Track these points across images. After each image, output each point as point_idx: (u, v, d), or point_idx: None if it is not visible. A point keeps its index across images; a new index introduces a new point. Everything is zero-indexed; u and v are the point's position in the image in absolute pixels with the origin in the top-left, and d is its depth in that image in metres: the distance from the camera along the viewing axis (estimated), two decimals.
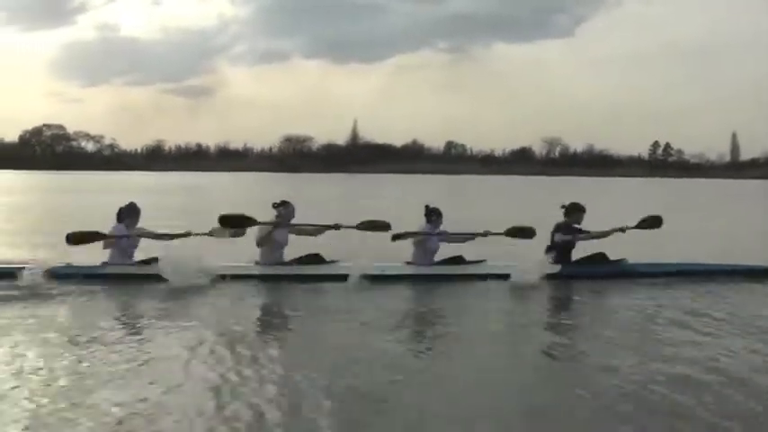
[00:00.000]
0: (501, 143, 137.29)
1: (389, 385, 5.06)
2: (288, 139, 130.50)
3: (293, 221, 9.75)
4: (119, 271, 9.24)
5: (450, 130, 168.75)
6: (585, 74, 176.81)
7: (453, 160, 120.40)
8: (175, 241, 9.86)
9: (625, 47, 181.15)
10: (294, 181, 58.86)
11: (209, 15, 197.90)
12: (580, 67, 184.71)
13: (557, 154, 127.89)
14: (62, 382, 5.00)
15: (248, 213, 9.58)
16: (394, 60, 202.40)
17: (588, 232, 9.87)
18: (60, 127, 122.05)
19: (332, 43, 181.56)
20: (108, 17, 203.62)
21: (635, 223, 10.19)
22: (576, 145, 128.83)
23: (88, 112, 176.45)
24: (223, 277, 9.02)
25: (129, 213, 9.56)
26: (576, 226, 9.87)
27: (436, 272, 9.50)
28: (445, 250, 9.89)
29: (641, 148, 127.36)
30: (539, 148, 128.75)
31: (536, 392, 5.01)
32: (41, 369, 5.31)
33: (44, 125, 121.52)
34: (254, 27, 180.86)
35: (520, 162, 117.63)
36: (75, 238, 9.42)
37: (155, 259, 9.33)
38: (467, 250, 9.99)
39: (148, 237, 9.72)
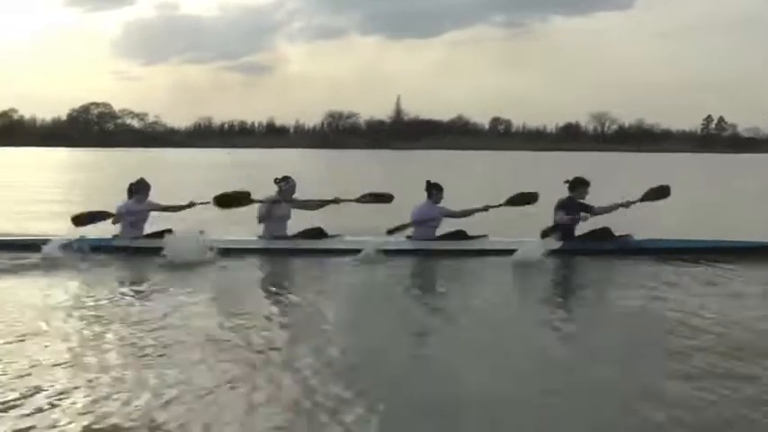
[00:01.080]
0: (551, 118, 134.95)
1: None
2: (331, 116, 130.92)
3: (295, 196, 9.94)
4: (128, 244, 9.57)
5: (498, 106, 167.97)
6: (642, 47, 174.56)
7: (499, 136, 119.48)
8: (182, 213, 10.22)
9: (686, 18, 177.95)
10: (329, 157, 59.22)
11: None
12: (637, 39, 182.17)
13: (606, 129, 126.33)
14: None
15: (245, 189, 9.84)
16: (449, 36, 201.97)
17: (592, 208, 9.81)
18: (107, 105, 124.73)
19: (388, 19, 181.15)
20: None
21: (639, 196, 10.11)
22: (626, 119, 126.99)
23: (147, 90, 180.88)
24: (227, 251, 9.22)
25: (138, 189, 9.86)
26: (581, 201, 9.82)
27: (439, 247, 9.57)
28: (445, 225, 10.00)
29: (694, 123, 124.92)
30: (587, 124, 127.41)
31: (544, 376, 4.91)
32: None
33: (91, 103, 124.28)
34: (312, 3, 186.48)
35: (568, 138, 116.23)
36: (80, 220, 9.84)
37: (167, 230, 9.72)
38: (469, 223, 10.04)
39: (156, 210, 10.01)
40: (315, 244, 9.60)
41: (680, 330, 5.87)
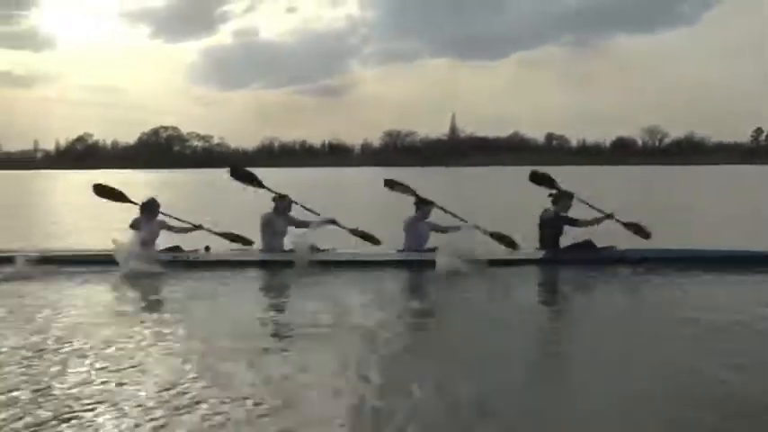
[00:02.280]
0: (605, 133, 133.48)
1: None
2: (389, 135, 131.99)
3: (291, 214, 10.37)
4: (144, 257, 9.97)
5: (554, 122, 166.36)
6: (700, 62, 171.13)
7: (553, 152, 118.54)
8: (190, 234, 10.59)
9: (746, 34, 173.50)
10: (375, 175, 59.45)
11: (340, 18, 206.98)
12: (696, 55, 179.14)
13: (657, 143, 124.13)
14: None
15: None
16: (516, 56, 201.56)
17: (576, 221, 9.87)
18: (175, 128, 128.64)
19: (456, 41, 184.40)
20: (247, 25, 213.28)
21: (624, 220, 10.13)
22: (678, 133, 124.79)
23: (224, 114, 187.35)
24: (229, 263, 9.75)
25: (149, 208, 10.32)
26: (564, 214, 9.90)
27: (428, 258, 9.72)
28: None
29: (744, 136, 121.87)
30: (639, 138, 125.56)
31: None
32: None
33: (161, 127, 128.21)
34: (383, 28, 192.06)
35: (620, 152, 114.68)
36: (102, 190, 10.74)
37: (176, 247, 10.21)
38: None
39: (166, 228, 10.43)
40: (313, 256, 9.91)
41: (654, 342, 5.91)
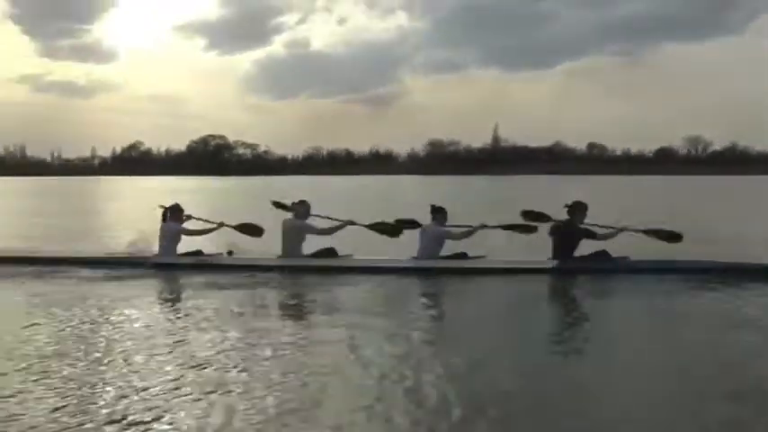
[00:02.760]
0: (647, 143, 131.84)
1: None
2: (432, 144, 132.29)
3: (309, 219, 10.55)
4: (167, 260, 10.42)
5: (596, 132, 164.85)
6: (751, 72, 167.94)
7: (593, 161, 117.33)
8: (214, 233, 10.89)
9: None
10: (419, 183, 59.60)
11: (390, 29, 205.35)
12: (746, 65, 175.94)
13: (699, 152, 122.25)
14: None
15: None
16: (564, 67, 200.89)
17: (594, 233, 9.84)
18: (222, 137, 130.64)
19: (505, 52, 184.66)
20: (299, 36, 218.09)
21: (645, 228, 10.15)
22: (720, 143, 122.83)
23: (275, 123, 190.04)
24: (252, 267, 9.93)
25: (172, 213, 10.64)
26: (582, 226, 9.87)
27: (442, 265, 9.84)
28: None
29: None
30: (681, 147, 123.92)
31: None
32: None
33: (209, 135, 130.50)
34: (433, 38, 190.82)
35: (662, 162, 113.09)
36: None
37: (199, 251, 10.49)
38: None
39: (188, 233, 10.75)
40: (328, 262, 10.08)
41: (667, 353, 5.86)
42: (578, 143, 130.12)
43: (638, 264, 9.62)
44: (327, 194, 37.07)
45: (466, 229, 10.19)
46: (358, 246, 10.70)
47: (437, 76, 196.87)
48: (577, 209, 9.94)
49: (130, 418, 4.27)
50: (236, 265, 10.12)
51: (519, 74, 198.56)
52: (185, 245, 10.75)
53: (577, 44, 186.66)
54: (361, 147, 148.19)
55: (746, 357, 5.63)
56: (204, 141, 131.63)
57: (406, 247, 10.33)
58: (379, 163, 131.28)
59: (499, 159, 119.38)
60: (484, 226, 10.14)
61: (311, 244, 10.44)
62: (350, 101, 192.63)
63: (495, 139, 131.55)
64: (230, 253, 10.55)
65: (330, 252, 10.27)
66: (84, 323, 6.83)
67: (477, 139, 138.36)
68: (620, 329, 6.79)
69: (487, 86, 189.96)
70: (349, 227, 10.55)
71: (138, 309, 7.57)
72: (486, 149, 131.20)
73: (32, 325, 6.73)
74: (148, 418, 4.27)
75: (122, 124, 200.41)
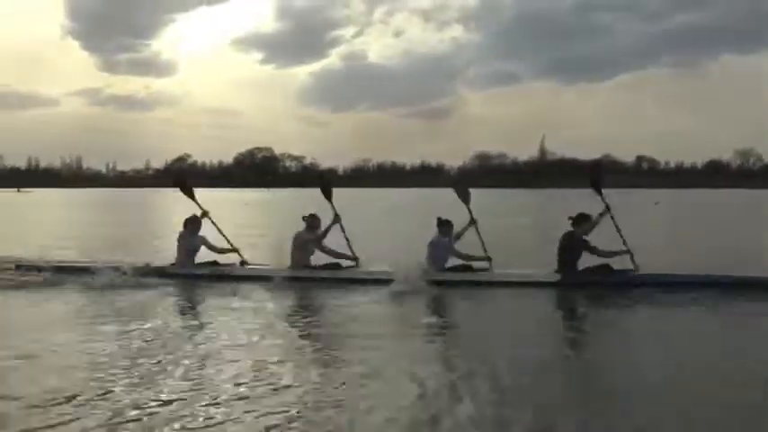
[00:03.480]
0: (698, 156, 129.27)
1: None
2: (478, 157, 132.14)
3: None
4: (185, 271, 10.74)
5: (646, 145, 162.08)
6: None
7: (642, 174, 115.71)
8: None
9: None
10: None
11: (446, 41, 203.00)
12: None
13: (751, 166, 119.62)
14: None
15: None
16: (620, 79, 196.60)
17: (595, 249, 9.84)
18: (269, 149, 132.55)
19: (560, 64, 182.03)
20: (355, 48, 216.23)
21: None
22: None
23: (331, 137, 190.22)
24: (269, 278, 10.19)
25: (192, 223, 10.97)
26: (584, 238, 9.87)
27: (447, 278, 9.94)
28: None
29: None
30: (732, 160, 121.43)
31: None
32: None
33: (255, 148, 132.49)
34: (489, 51, 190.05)
35: (712, 175, 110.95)
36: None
37: (214, 262, 10.79)
38: None
39: (206, 246, 11.09)
40: (334, 274, 10.33)
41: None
42: (628, 156, 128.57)
43: (642, 277, 9.59)
44: (367, 207, 37.23)
45: (472, 254, 10.39)
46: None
47: (492, 89, 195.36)
48: (581, 221, 9.94)
49: None
50: (248, 276, 10.41)
51: (575, 86, 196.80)
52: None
53: (634, 56, 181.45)
54: (414, 159, 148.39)
55: (753, 373, 5.60)
56: (251, 154, 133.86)
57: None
58: (428, 175, 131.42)
59: (545, 172, 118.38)
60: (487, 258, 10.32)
61: (320, 255, 10.74)
62: (405, 114, 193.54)
63: (542, 151, 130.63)
64: (243, 263, 10.82)
65: (335, 265, 10.53)
66: (165, 332, 7.05)
67: (527, 152, 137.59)
68: (621, 345, 6.74)
69: (542, 99, 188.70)
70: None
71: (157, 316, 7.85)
72: (532, 162, 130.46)
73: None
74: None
75: (178, 136, 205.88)
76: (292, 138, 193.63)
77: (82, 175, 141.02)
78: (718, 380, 5.39)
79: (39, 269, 10.86)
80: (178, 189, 11.62)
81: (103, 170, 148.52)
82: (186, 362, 5.85)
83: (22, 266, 11.19)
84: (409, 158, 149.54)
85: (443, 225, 10.28)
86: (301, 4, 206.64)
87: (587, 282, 9.58)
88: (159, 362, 5.85)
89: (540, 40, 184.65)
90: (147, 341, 6.61)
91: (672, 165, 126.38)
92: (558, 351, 6.45)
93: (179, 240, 10.97)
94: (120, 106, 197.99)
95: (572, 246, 9.87)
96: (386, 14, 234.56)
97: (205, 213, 11.08)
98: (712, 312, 8.14)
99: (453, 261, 10.33)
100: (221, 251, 11.07)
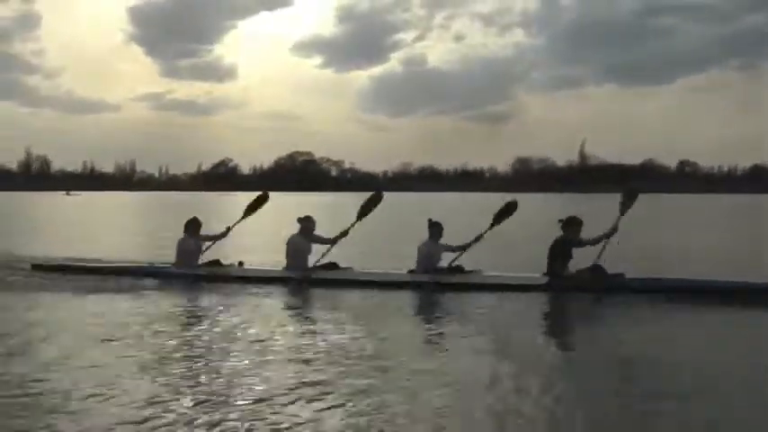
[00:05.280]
0: (745, 160, 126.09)
1: None
2: (520, 161, 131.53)
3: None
4: (188, 271, 10.92)
5: (692, 149, 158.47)
6: None
7: (685, 179, 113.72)
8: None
9: None
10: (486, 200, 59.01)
11: (507, 45, 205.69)
12: None
13: None
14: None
15: None
16: (682, 82, 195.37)
17: (580, 240, 9.81)
18: (309, 154, 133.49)
19: (621, 68, 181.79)
20: (416, 53, 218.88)
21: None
22: None
23: (390, 141, 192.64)
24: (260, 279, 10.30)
25: (192, 225, 11.23)
26: (570, 238, 9.81)
27: (437, 280, 9.97)
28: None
29: None
30: None
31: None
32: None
33: (295, 152, 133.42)
34: (550, 55, 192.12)
35: (756, 180, 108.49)
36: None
37: (216, 261, 11.06)
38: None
39: (205, 241, 11.34)
40: (330, 275, 10.41)
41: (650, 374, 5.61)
42: (673, 160, 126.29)
43: (632, 282, 9.45)
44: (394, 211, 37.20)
45: (463, 244, 10.37)
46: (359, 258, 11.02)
47: (553, 93, 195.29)
48: (570, 224, 9.89)
49: None
50: (244, 276, 10.51)
51: (635, 89, 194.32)
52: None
53: (697, 59, 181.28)
54: (472, 164, 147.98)
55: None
56: (291, 158, 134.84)
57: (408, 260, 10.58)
58: (470, 180, 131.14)
59: (584, 176, 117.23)
60: (479, 237, 10.36)
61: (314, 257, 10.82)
62: (465, 118, 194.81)
63: (582, 155, 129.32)
64: (240, 264, 11.02)
65: (332, 265, 10.63)
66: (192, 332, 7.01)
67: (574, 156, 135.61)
68: (607, 351, 6.49)
69: (601, 103, 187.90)
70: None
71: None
72: (574, 166, 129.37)
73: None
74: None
75: (233, 140, 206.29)
76: (351, 142, 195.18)
77: (133, 178, 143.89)
78: (707, 389, 5.15)
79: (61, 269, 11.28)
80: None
81: (156, 174, 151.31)
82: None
83: (37, 266, 11.55)
84: (474, 163, 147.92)
85: (434, 227, 10.35)
86: (362, 9, 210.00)
87: (577, 286, 9.49)
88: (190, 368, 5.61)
89: (602, 44, 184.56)
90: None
91: (715, 169, 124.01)
92: (538, 358, 6.15)
93: (180, 242, 11.19)
94: (182, 111, 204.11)
95: (561, 249, 9.80)
96: (446, 19, 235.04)
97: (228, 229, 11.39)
98: (701, 319, 7.93)
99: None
100: (220, 237, 11.31)
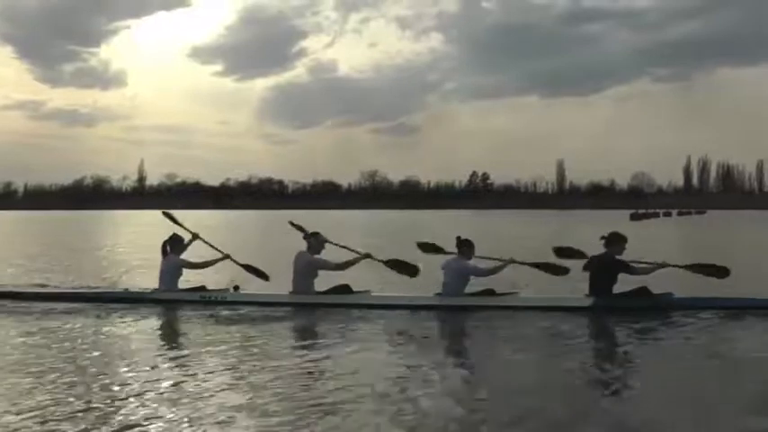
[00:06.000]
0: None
1: None
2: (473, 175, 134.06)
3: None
4: (168, 297, 9.75)
5: (646, 161, 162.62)
6: None
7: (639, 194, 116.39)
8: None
9: None
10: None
11: (422, 52, 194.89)
12: None
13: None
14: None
15: None
16: (609, 92, 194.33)
17: (631, 267, 9.23)
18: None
19: (543, 77, 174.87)
20: (326, 59, 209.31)
21: (687, 263, 9.64)
22: None
23: (295, 153, 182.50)
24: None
25: (172, 245, 9.94)
26: (619, 258, 9.25)
27: (468, 303, 9.16)
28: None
29: None
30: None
31: None
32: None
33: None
34: (466, 63, 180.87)
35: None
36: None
37: (202, 287, 9.92)
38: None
39: (190, 267, 10.09)
40: (342, 299, 9.42)
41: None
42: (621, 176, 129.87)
43: (682, 301, 9.08)
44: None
45: (494, 264, 9.64)
46: (374, 282, 10.22)
47: (471, 103, 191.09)
48: (615, 241, 9.35)
49: None
50: (244, 302, 9.48)
51: (560, 99, 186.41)
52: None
53: (624, 69, 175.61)
54: (390, 176, 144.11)
55: None
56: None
57: (430, 284, 9.69)
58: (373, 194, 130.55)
59: (479, 195, 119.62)
60: (513, 261, 9.63)
61: (325, 280, 9.80)
62: (376, 130, 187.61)
63: (560, 175, 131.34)
64: (236, 288, 9.92)
65: (345, 288, 9.64)
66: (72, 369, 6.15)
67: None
68: (663, 374, 6.20)
69: (522, 115, 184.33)
70: (366, 261, 9.92)
71: (134, 349, 7.08)
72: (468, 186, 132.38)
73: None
74: None
75: (119, 155, 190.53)
76: (253, 155, 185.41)
77: None
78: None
79: None
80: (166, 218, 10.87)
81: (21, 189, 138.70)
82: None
83: None
84: (389, 175, 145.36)
85: (463, 245, 9.38)
86: (269, 11, 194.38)
87: (623, 306, 8.98)
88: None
89: (521, 52, 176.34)
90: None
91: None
92: (588, 384, 5.93)
93: (162, 263, 9.97)
94: (62, 122, 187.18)
95: (605, 267, 9.23)
96: (360, 23, 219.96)
97: (195, 236, 10.23)
98: (756, 338, 7.68)
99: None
100: (210, 264, 10.10)
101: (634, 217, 57.19)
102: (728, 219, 59.24)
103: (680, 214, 71.89)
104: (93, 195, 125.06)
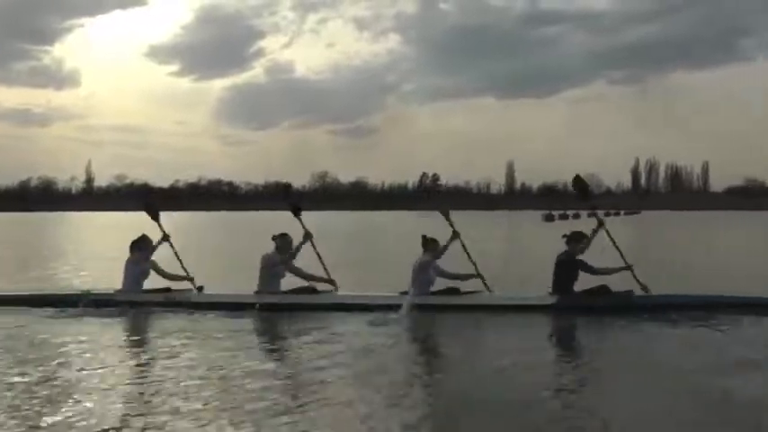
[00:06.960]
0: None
1: None
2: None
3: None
4: (131, 298, 9.66)
5: (597, 163, 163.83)
6: (758, 99, 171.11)
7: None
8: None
9: None
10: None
11: (380, 53, 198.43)
12: (759, 93, 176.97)
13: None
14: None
15: None
16: (566, 94, 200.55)
17: (592, 268, 9.47)
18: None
19: (501, 79, 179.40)
20: (283, 60, 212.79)
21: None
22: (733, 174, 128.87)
23: (253, 155, 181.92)
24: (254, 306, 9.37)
25: (140, 246, 9.89)
26: (580, 258, 9.46)
27: (432, 302, 9.26)
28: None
29: None
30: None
31: None
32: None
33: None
34: (424, 65, 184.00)
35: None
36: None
37: (167, 289, 9.89)
38: None
39: (157, 272, 10.05)
40: (309, 299, 9.52)
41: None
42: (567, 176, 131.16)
43: (642, 299, 9.30)
44: None
45: (464, 273, 9.75)
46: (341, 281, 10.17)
47: (429, 104, 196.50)
48: (575, 239, 9.56)
49: None
50: (208, 303, 9.49)
51: (517, 101, 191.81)
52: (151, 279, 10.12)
53: (580, 71, 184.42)
54: (345, 178, 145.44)
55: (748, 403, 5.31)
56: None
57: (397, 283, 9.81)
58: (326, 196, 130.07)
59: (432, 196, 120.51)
60: (480, 275, 9.66)
61: (290, 281, 9.90)
62: (333, 131, 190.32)
63: (510, 176, 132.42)
64: (200, 289, 10.00)
65: (310, 289, 9.79)
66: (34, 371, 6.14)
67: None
68: (621, 374, 6.33)
69: (483, 115, 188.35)
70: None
71: (98, 352, 7.00)
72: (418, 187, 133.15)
73: None
74: None
75: (71, 155, 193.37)
76: (210, 156, 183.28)
77: None
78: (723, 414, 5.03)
79: None
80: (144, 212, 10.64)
81: None
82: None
83: None
84: (345, 177, 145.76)
85: (429, 244, 9.47)
86: (226, 11, 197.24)
87: (584, 305, 9.17)
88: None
89: (479, 54, 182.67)
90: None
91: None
92: (550, 382, 6.02)
93: (127, 265, 9.90)
94: (13, 121, 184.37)
95: (567, 266, 9.47)
96: (318, 23, 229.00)
97: (166, 237, 10.18)
98: (715, 335, 7.86)
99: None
100: (173, 278, 10.09)
101: (548, 218, 58.58)
102: (663, 219, 60.84)
103: (606, 215, 73.02)
104: (41, 197, 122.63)
